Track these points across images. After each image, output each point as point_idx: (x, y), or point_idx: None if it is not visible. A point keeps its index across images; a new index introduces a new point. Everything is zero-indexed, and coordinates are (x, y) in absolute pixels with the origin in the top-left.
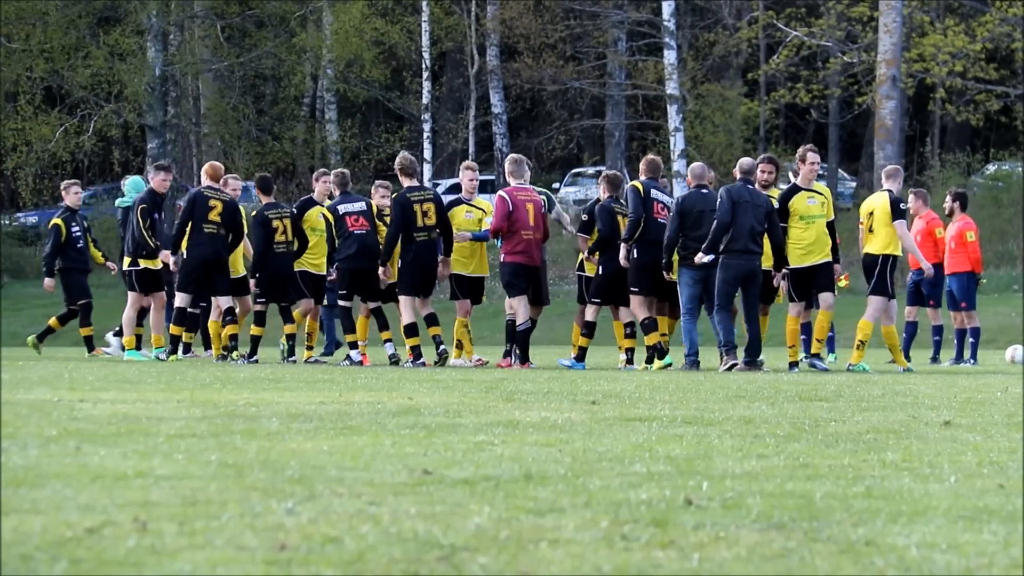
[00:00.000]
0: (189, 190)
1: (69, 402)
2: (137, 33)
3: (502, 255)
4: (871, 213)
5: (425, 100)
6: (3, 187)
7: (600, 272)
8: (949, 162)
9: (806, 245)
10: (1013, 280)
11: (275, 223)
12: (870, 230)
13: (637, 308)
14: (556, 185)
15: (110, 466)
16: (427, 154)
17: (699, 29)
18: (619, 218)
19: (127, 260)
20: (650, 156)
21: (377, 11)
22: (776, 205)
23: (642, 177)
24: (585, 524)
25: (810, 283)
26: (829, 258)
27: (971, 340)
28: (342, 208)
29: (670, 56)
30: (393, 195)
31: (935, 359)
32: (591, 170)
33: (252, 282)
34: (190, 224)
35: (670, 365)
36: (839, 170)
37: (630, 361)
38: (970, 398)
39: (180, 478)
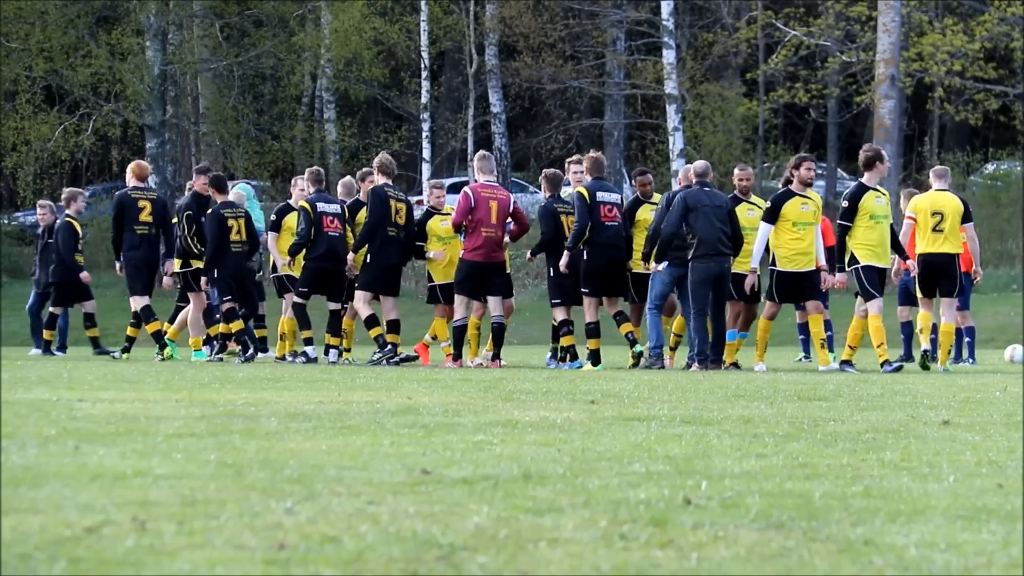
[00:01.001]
0: (116, 194)
1: (68, 401)
2: (136, 33)
3: (461, 251)
4: (938, 213)
5: (424, 99)
6: (2, 186)
7: (551, 274)
8: (948, 162)
9: (876, 244)
10: (1012, 280)
11: (230, 222)
12: (936, 230)
13: (587, 309)
14: None
15: (109, 465)
16: (426, 153)
17: (698, 29)
18: (562, 218)
19: (178, 263)
20: (593, 154)
21: (376, 10)
22: (845, 203)
23: (587, 177)
24: (584, 523)
25: (882, 283)
26: (888, 264)
27: (967, 339)
28: (320, 206)
29: (669, 56)
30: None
31: (935, 358)
32: None
33: (204, 280)
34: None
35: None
36: (838, 170)
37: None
38: (969, 397)
39: (179, 477)
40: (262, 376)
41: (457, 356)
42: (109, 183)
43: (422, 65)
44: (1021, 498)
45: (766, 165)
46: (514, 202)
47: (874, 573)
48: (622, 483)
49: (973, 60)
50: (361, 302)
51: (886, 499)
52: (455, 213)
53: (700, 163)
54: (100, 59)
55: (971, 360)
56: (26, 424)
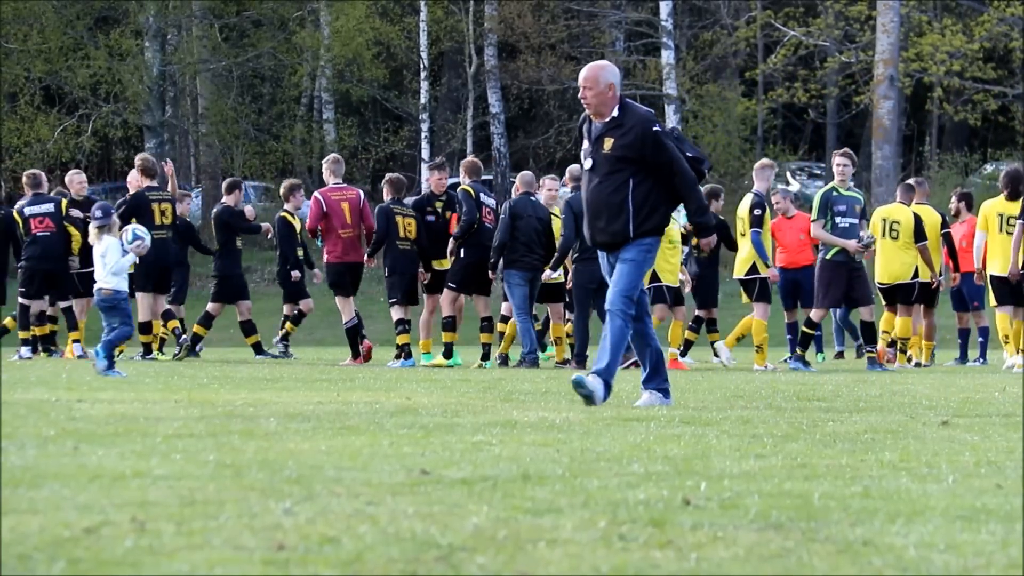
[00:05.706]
0: None
1: (67, 402)
2: (135, 34)
3: (324, 255)
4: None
5: (423, 100)
6: (3, 187)
7: (387, 275)
8: (947, 162)
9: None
10: None
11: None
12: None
13: (445, 302)
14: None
15: (108, 466)
16: (425, 154)
17: (697, 29)
18: (397, 219)
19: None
20: (471, 158)
21: (376, 11)
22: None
23: (467, 179)
24: (583, 524)
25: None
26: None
27: (980, 340)
28: (28, 210)
29: (668, 56)
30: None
31: (967, 360)
32: None
33: None
34: None
35: (454, 365)
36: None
37: (486, 356)
38: (968, 398)
39: (178, 478)
40: (261, 377)
41: (355, 355)
42: (110, 183)
43: (422, 66)
44: (1020, 499)
45: None
46: (364, 202)
47: (873, 573)
48: (621, 484)
49: (972, 60)
50: (143, 304)
51: (885, 500)
52: (309, 219)
53: (575, 167)
54: (99, 60)
55: (982, 360)
56: (25, 425)
